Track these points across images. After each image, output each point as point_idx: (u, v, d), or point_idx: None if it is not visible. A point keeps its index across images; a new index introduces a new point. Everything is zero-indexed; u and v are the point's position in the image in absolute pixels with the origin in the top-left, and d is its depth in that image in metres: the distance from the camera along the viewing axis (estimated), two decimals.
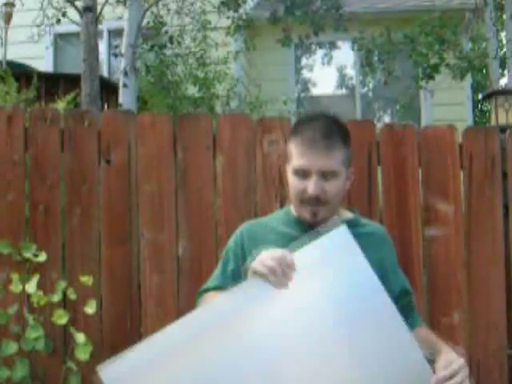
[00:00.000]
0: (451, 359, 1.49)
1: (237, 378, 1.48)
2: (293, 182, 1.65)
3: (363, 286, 1.52)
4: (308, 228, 1.65)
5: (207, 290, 1.79)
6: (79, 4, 5.25)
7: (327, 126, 1.64)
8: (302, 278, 1.51)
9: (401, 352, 1.48)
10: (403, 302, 1.66)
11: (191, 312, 1.59)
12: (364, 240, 1.57)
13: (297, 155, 1.63)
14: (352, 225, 1.66)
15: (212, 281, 1.80)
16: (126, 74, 5.17)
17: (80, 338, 2.06)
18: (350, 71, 8.92)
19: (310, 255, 1.52)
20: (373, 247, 1.64)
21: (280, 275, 1.48)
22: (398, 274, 1.77)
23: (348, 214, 1.77)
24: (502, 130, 2.34)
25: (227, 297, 1.56)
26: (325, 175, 1.60)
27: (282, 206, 2.22)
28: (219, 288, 1.73)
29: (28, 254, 2.21)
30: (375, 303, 1.50)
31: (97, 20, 5.19)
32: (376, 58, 6.81)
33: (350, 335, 1.49)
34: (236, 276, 1.68)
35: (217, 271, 1.80)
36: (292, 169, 1.65)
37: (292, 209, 1.76)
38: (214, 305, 1.58)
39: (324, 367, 1.47)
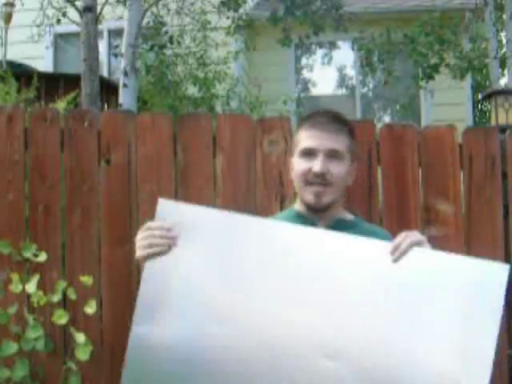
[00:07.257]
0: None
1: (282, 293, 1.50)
2: (299, 164, 1.69)
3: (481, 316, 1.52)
4: (308, 220, 1.67)
5: None
6: (79, 4, 5.24)
7: (336, 114, 1.73)
8: (433, 280, 1.49)
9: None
10: None
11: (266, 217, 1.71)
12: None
13: (305, 138, 1.68)
14: (352, 225, 1.68)
15: None
16: (126, 73, 5.17)
17: (80, 338, 2.06)
18: (350, 71, 8.92)
19: (459, 267, 1.51)
20: None
21: (162, 242, 1.56)
22: None
23: (349, 216, 1.78)
24: (502, 130, 2.34)
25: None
26: (331, 155, 1.65)
27: (282, 205, 2.22)
28: None
29: (28, 254, 2.21)
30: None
31: (97, 20, 5.19)
32: (376, 58, 6.81)
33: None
34: None
35: None
36: (299, 152, 1.69)
37: (295, 206, 1.77)
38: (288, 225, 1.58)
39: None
